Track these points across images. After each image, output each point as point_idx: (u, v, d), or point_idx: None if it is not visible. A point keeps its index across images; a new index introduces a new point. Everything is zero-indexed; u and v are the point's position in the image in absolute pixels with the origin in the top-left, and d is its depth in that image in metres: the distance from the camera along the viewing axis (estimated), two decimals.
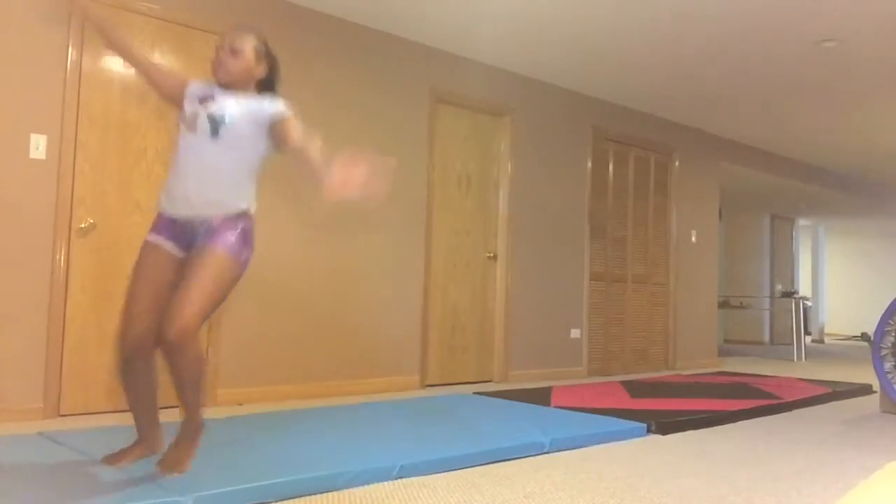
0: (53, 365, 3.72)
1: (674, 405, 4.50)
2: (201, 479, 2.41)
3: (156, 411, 2.68)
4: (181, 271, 2.53)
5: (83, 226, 3.84)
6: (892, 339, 4.69)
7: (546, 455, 3.21)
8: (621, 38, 5.15)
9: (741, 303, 11.71)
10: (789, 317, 12.17)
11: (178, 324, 2.38)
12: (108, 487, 2.31)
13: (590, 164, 6.56)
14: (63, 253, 3.76)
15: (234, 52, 2.62)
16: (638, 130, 7.05)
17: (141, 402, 2.64)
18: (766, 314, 12.52)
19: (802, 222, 14.03)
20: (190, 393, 2.51)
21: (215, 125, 2.56)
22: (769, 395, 5.08)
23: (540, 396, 4.73)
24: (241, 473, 2.50)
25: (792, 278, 13.36)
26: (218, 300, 2.52)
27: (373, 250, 5.02)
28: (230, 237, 2.53)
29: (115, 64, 3.98)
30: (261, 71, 2.69)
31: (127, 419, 3.70)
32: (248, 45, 2.65)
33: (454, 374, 5.55)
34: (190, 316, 2.40)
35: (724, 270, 12.19)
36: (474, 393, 4.90)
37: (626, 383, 5.71)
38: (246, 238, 2.59)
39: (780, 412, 4.68)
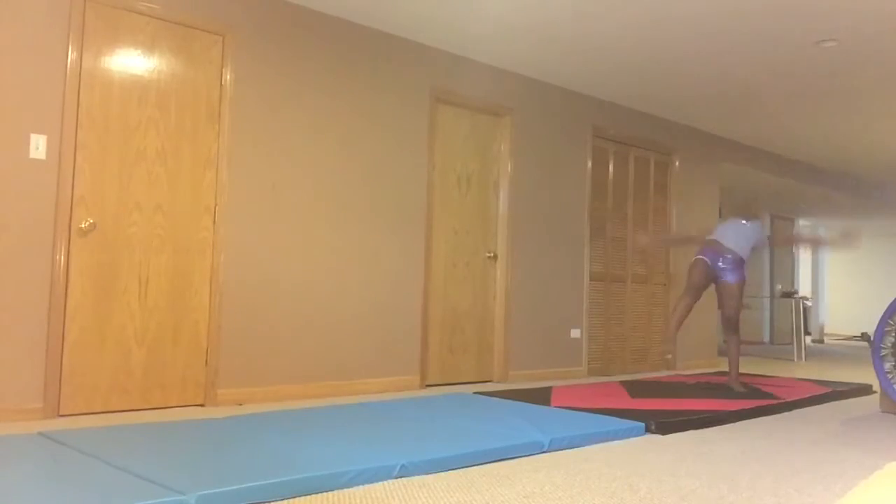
0: (53, 365, 3.72)
1: (674, 405, 4.50)
2: (203, 478, 2.41)
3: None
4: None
5: (83, 226, 3.84)
6: (892, 339, 4.69)
7: (546, 455, 3.22)
8: (621, 38, 5.15)
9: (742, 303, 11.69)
10: (789, 317, 12.18)
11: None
12: (109, 487, 2.31)
13: (590, 164, 6.57)
14: (63, 253, 3.76)
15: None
16: (638, 130, 7.05)
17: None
18: (766, 314, 12.51)
19: (802, 222, 14.03)
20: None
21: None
22: (769, 395, 5.08)
23: (540, 396, 4.73)
24: (242, 473, 2.50)
25: (792, 278, 13.36)
26: None
27: (373, 250, 5.03)
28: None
29: (115, 64, 3.98)
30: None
31: (125, 419, 3.71)
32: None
33: (454, 374, 5.55)
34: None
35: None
36: (474, 393, 4.90)
37: (626, 383, 5.71)
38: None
39: (780, 412, 4.68)
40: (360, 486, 2.59)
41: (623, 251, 6.93)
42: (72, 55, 3.82)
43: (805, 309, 10.68)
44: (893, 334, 4.70)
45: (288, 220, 4.61)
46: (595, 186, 6.63)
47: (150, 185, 4.08)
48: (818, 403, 5.14)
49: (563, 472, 2.92)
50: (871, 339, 4.80)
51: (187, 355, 4.18)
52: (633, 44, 5.26)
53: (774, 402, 4.79)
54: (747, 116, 7.25)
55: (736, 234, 5.29)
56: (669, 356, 5.29)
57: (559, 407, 4.30)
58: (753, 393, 5.18)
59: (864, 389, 5.82)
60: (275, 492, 2.40)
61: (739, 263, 5.24)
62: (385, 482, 2.66)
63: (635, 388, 5.33)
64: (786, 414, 4.63)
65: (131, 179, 4.02)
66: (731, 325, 5.30)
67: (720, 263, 5.24)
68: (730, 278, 5.22)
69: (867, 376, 6.90)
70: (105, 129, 3.94)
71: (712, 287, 5.42)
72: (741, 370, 5.69)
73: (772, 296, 12.32)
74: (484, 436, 3.31)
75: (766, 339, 12.53)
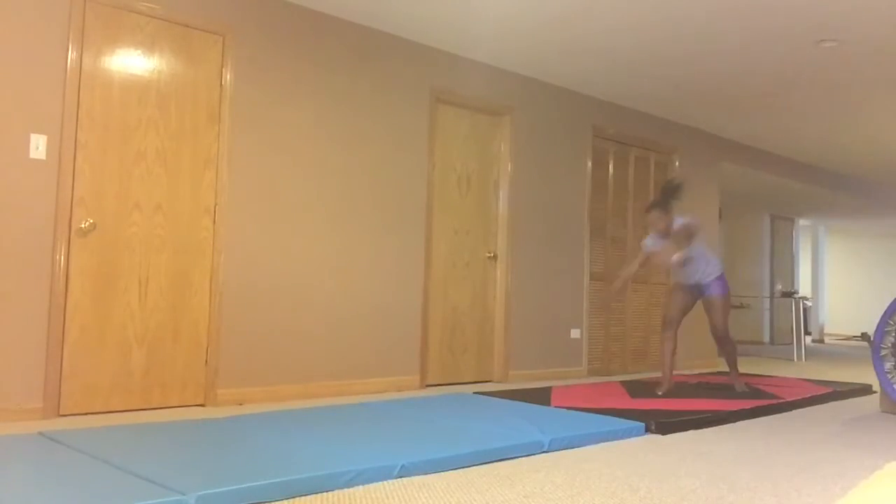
0: (53, 365, 3.72)
1: (674, 405, 4.50)
2: (203, 478, 2.41)
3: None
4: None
5: (83, 226, 3.84)
6: (892, 339, 4.69)
7: (546, 455, 3.22)
8: (621, 38, 5.15)
9: (741, 303, 11.71)
10: (789, 317, 12.18)
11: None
12: (109, 487, 2.31)
13: (589, 164, 6.57)
14: (63, 253, 3.76)
15: (657, 225, 5.03)
16: (638, 130, 7.05)
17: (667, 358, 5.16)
18: (766, 314, 12.51)
19: (802, 222, 14.03)
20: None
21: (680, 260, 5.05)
22: (769, 395, 5.08)
23: (540, 396, 4.73)
24: (242, 473, 2.50)
25: (792, 278, 13.36)
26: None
27: (373, 250, 5.03)
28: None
29: (115, 64, 3.98)
30: (671, 219, 5.00)
31: (125, 419, 3.72)
32: (661, 219, 5.00)
33: (454, 374, 5.55)
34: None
35: (724, 270, 12.19)
36: (474, 393, 4.90)
37: (626, 383, 5.71)
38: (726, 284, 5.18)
39: (780, 412, 4.68)
40: (360, 486, 2.59)
41: (623, 251, 6.93)
42: (72, 55, 3.82)
43: (805, 309, 10.69)
44: (893, 334, 4.70)
45: (288, 220, 4.61)
46: (595, 186, 6.63)
47: (150, 185, 4.08)
48: (818, 403, 5.14)
49: (563, 472, 2.92)
50: (871, 339, 4.80)
51: (187, 355, 4.18)
52: (633, 44, 5.26)
53: (774, 402, 4.79)
54: (747, 116, 7.25)
55: (692, 266, 5.09)
56: (660, 393, 5.07)
57: (559, 407, 4.30)
58: (754, 393, 5.19)
59: (864, 389, 5.82)
60: (275, 492, 2.40)
61: (718, 278, 5.11)
62: (385, 482, 2.66)
63: (635, 388, 5.33)
64: (786, 414, 4.63)
65: (131, 179, 4.02)
66: (720, 338, 5.17)
67: (702, 283, 5.14)
68: (714, 291, 5.09)
69: (867, 376, 6.91)
70: (105, 129, 3.94)
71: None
72: (740, 371, 5.67)
73: (772, 296, 12.33)
74: (484, 436, 3.31)
75: (766, 339, 12.53)
